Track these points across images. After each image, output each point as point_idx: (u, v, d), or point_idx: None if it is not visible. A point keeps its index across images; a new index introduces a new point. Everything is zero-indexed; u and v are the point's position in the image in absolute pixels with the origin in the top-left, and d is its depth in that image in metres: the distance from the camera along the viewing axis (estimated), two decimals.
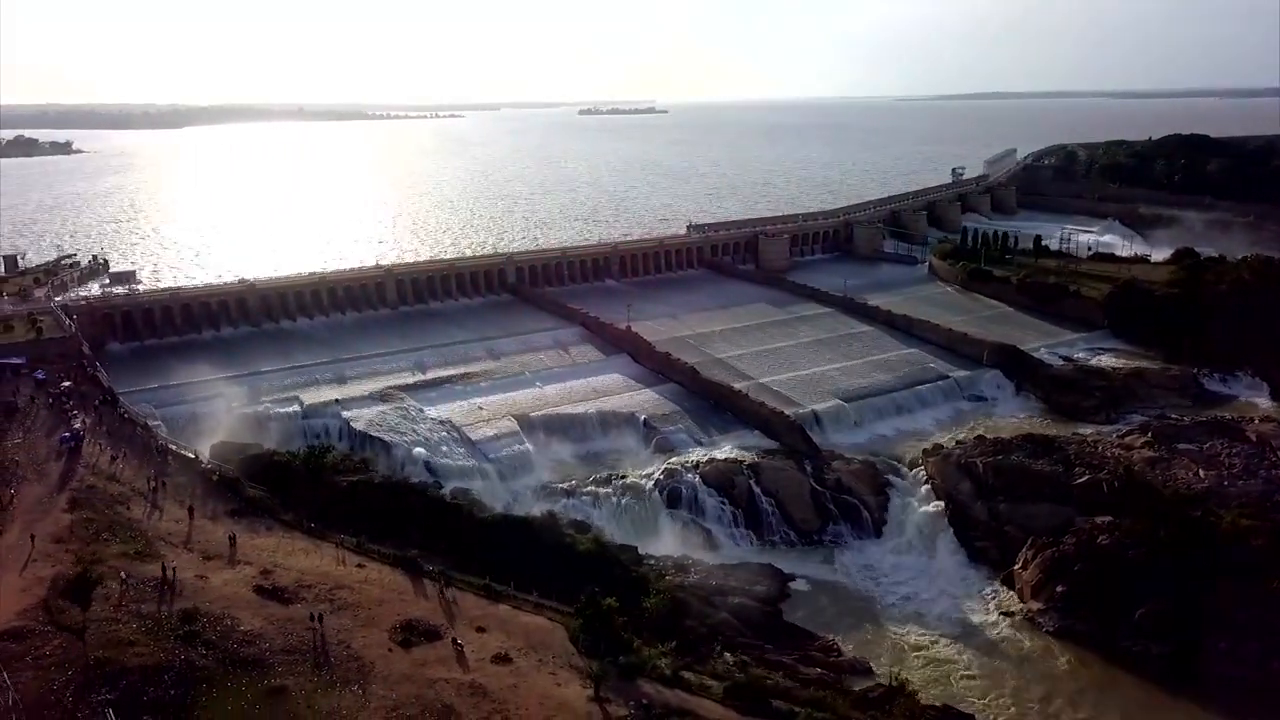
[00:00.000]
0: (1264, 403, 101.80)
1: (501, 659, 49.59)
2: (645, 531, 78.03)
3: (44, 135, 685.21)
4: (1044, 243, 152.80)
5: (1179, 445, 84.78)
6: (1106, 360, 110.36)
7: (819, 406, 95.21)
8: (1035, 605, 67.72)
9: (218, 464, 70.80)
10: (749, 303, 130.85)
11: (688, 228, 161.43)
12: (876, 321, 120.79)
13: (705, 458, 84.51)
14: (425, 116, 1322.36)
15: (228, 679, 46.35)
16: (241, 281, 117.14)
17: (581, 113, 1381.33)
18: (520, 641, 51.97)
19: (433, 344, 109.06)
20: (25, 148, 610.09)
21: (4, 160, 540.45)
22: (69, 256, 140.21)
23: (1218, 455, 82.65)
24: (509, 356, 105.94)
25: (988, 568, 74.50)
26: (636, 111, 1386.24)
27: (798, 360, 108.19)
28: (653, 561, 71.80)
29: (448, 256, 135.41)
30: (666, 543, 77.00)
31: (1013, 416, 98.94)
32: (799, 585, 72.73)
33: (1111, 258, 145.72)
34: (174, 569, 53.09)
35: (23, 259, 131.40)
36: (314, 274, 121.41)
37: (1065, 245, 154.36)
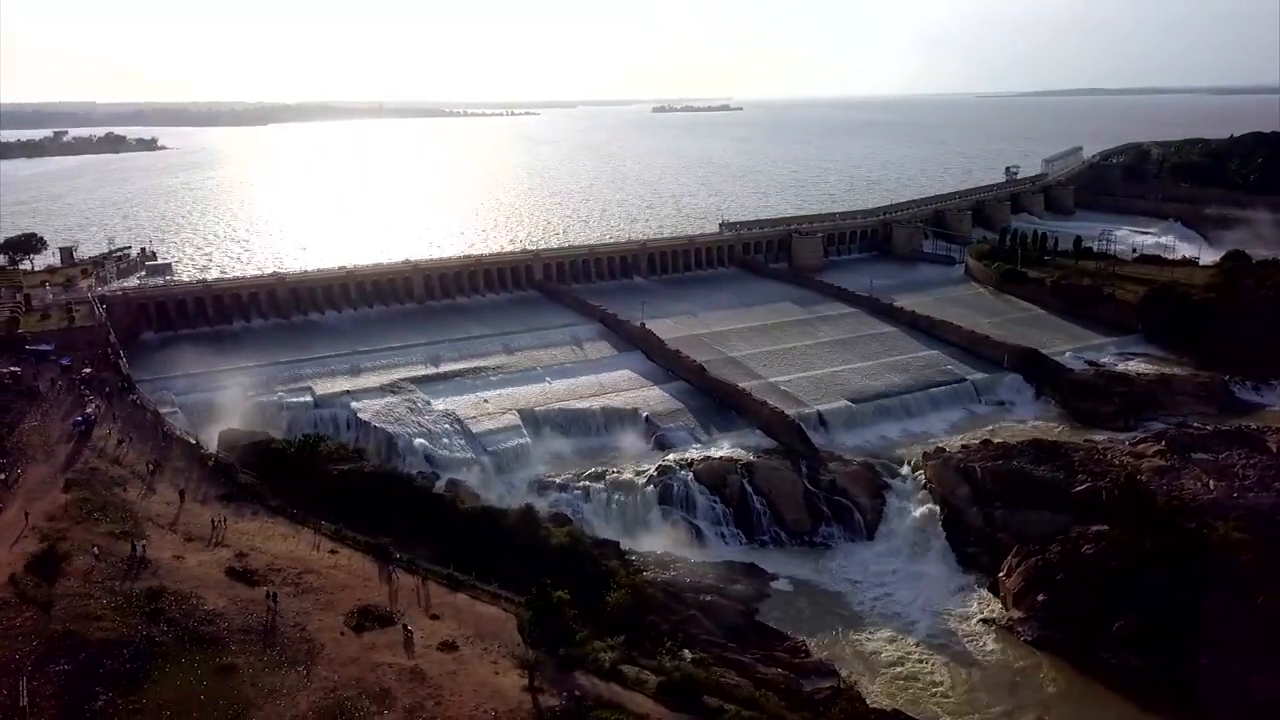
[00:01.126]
0: None
1: (448, 646, 50.61)
2: (635, 527, 78.58)
3: (132, 132, 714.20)
4: (1087, 244, 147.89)
5: (1193, 455, 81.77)
6: (1135, 366, 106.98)
7: (825, 407, 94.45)
8: (1017, 614, 66.37)
9: (214, 450, 73.38)
10: (773, 301, 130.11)
11: (720, 225, 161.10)
12: (900, 322, 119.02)
13: (701, 456, 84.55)
14: (501, 114, 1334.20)
15: (183, 655, 48.27)
16: (272, 275, 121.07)
17: (656, 110, 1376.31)
18: (471, 630, 52.98)
19: (450, 338, 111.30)
20: (114, 144, 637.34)
21: (93, 156, 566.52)
22: (123, 249, 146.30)
23: (1233, 466, 79.54)
24: (523, 352, 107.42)
25: (977, 574, 73.15)
26: (711, 109, 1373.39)
27: (813, 360, 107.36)
28: (634, 557, 72.34)
29: (477, 252, 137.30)
30: (656, 539, 77.40)
31: (1027, 421, 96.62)
32: (781, 585, 72.44)
33: (1157, 260, 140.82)
34: (144, 547, 55.41)
35: (75, 251, 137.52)
36: (342, 268, 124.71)
37: (1106, 246, 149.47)
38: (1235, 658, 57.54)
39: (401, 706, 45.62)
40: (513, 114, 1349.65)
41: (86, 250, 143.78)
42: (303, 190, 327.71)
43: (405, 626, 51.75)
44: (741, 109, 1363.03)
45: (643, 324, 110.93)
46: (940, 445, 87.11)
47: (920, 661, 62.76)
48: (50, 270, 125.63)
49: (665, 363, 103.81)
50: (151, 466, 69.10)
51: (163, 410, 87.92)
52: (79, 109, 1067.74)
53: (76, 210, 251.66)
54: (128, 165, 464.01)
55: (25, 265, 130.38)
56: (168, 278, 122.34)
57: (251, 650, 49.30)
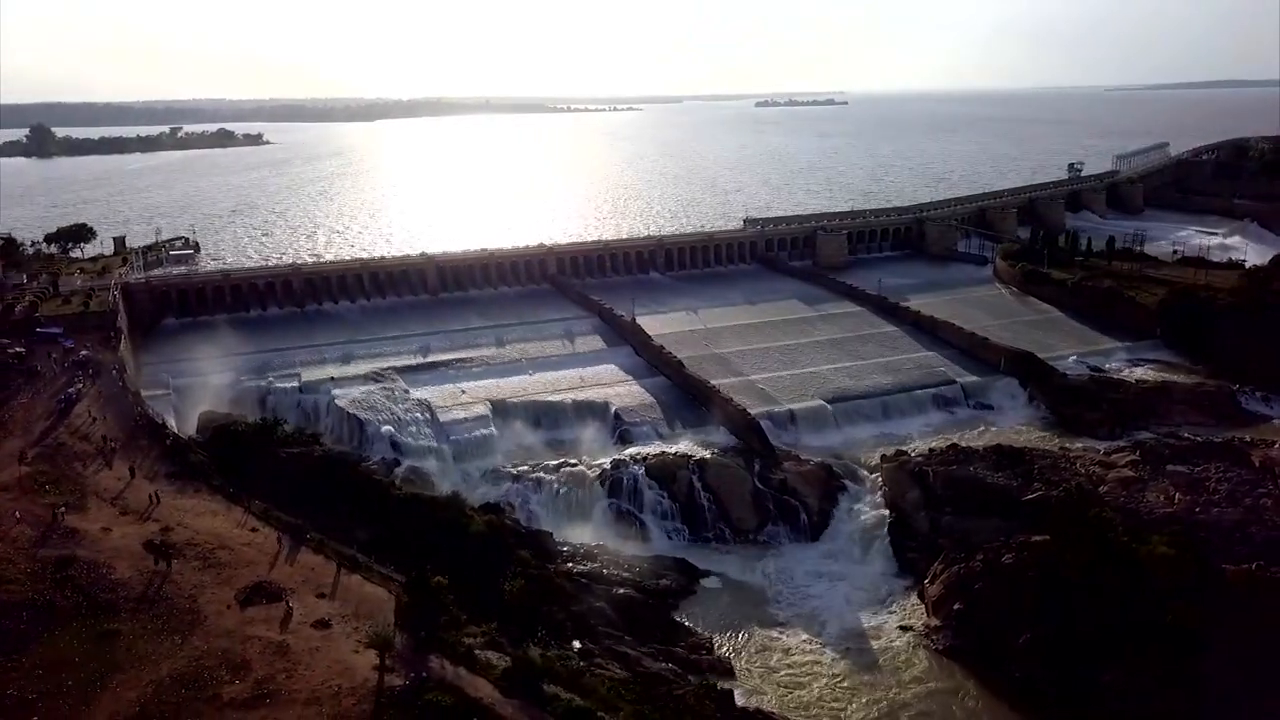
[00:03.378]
0: None
1: (322, 624, 52.59)
2: (581, 519, 79.47)
3: (241, 128, 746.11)
4: (1126, 244, 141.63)
5: (1168, 466, 78.13)
6: (1140, 372, 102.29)
7: (797, 405, 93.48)
8: (934, 622, 64.94)
9: (173, 430, 77.37)
10: (782, 299, 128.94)
11: (744, 221, 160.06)
12: (904, 322, 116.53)
13: (657, 451, 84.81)
14: (603, 109, 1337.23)
15: (75, 620, 51.72)
16: (289, 265, 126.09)
17: (758, 105, 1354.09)
18: (351, 609, 54.82)
19: (446, 329, 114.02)
20: (222, 139, 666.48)
21: (201, 150, 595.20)
22: (171, 240, 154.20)
23: (1206, 480, 75.68)
24: (514, 344, 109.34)
25: (913, 580, 71.59)
26: (815, 103, 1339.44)
27: (802, 359, 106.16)
28: (566, 548, 73.36)
29: (495, 246, 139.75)
30: (599, 532, 78.19)
31: (1010, 426, 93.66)
32: (710, 582, 72.32)
33: (1199, 262, 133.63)
34: (62, 514, 59.44)
35: (126, 240, 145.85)
36: (357, 259, 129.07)
37: (1139, 246, 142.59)
38: (1143, 675, 55.23)
39: (254, 677, 47.78)
40: (615, 109, 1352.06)
41: (137, 240, 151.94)
42: (361, 186, 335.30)
43: (288, 603, 54.04)
44: (846, 103, 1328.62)
45: (633, 319, 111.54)
46: (901, 448, 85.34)
47: (824, 663, 61.98)
48: (93, 259, 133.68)
49: (650, 358, 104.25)
50: (112, 444, 73.27)
51: (156, 392, 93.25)
52: (207, 105, 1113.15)
53: (146, 202, 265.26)
54: (221, 161, 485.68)
55: (76, 253, 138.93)
56: (190, 266, 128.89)
57: (139, 618, 52.32)
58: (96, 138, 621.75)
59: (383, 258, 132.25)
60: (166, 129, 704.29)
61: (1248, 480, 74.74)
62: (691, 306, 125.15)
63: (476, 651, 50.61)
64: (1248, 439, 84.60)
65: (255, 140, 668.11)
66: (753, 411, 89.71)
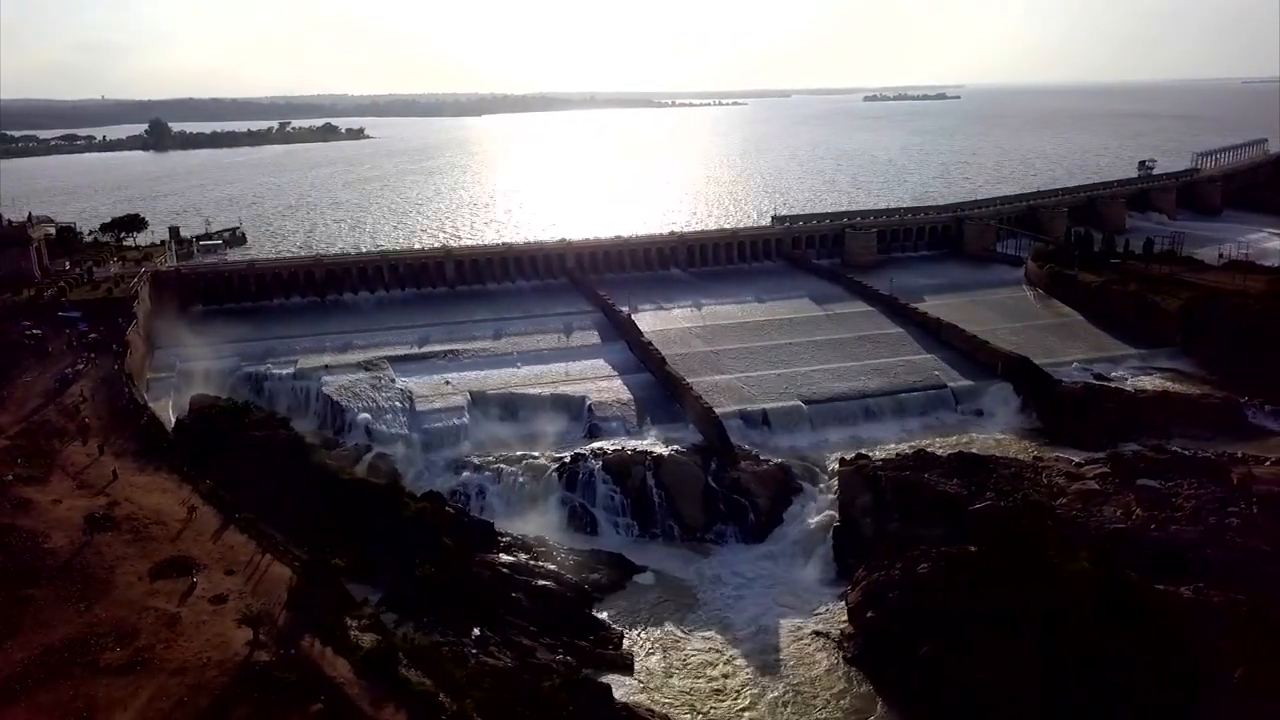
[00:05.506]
0: None
1: (218, 599, 55.12)
2: (534, 510, 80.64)
3: (345, 123, 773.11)
4: (1165, 247, 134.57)
5: (1139, 480, 74.54)
6: (1147, 381, 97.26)
7: (771, 405, 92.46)
8: (850, 629, 63.75)
9: (149, 411, 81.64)
10: (794, 298, 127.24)
11: (772, 218, 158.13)
12: (911, 324, 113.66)
13: (618, 446, 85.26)
14: (709, 104, 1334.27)
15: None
16: (312, 256, 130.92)
17: (866, 99, 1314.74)
18: (252, 587, 57.30)
19: (451, 321, 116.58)
20: (325, 134, 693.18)
21: (303, 145, 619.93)
22: (226, 230, 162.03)
23: (1175, 496, 71.98)
24: (510, 337, 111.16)
25: (846, 586, 70.24)
26: (925, 97, 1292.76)
27: (793, 358, 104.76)
28: (506, 539, 74.68)
29: (511, 241, 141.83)
30: (549, 523, 79.31)
31: (992, 434, 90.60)
32: (644, 579, 72.56)
33: (1247, 265, 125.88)
34: (10, 482, 63.93)
35: (180, 231, 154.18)
36: (378, 251, 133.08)
37: (1172, 247, 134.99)
38: (1040, 693, 53.23)
39: (135, 646, 50.50)
40: (719, 104, 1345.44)
41: (192, 232, 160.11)
42: (426, 181, 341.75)
43: (194, 578, 56.83)
44: (959, 97, 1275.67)
45: (628, 314, 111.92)
46: (864, 452, 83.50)
47: (728, 664, 61.62)
48: (138, 247, 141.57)
49: (639, 354, 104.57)
50: (88, 421, 77.91)
51: (163, 374, 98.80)
52: (324, 99, 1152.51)
53: (222, 194, 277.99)
54: (311, 155, 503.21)
55: (129, 242, 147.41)
56: (220, 256, 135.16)
57: (56, 585, 55.81)
58: (209, 132, 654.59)
59: (402, 250, 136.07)
60: (275, 124, 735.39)
61: (1217, 499, 70.65)
62: (699, 303, 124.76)
63: (352, 633, 52.29)
64: (1239, 455, 79.89)
65: (357, 135, 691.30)
66: (724, 410, 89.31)
